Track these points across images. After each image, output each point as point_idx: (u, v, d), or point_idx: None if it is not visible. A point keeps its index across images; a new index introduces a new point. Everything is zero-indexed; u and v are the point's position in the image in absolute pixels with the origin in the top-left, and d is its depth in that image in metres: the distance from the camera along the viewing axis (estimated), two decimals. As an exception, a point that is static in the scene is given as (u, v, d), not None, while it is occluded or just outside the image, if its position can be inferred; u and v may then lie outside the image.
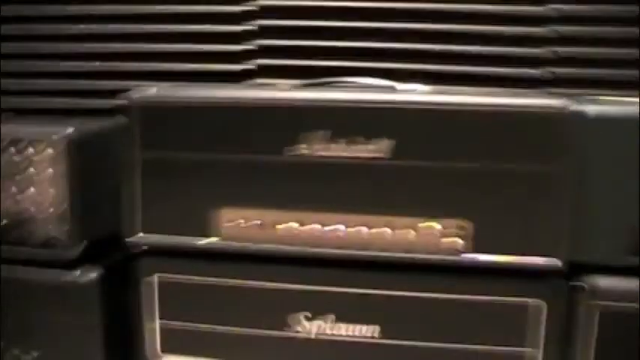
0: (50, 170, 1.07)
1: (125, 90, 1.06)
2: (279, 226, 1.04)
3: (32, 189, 1.08)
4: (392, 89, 1.10)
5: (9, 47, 1.38)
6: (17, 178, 1.09)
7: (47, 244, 1.09)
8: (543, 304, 1.01)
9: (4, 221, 1.09)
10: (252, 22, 1.32)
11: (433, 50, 1.29)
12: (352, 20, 1.30)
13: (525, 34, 1.29)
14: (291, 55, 1.31)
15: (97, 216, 1.13)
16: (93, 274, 1.10)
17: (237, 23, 1.33)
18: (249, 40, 1.33)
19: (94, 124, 1.16)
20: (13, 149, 1.09)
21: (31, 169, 1.08)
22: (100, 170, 1.12)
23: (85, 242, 1.10)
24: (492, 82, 1.28)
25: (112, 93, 1.32)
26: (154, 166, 1.05)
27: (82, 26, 1.37)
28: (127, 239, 1.07)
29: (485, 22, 1.28)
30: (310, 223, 1.03)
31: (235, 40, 1.33)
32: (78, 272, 1.10)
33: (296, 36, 1.31)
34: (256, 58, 1.33)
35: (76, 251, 1.09)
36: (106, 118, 1.23)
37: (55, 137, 1.07)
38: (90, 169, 1.11)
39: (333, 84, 1.12)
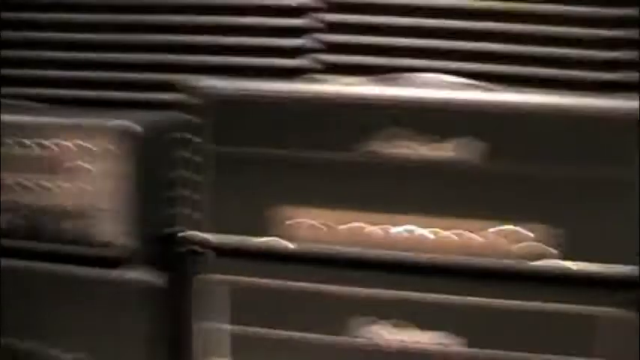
0: (110, 164, 1.04)
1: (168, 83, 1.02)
2: (345, 227, 1.00)
3: (89, 184, 1.05)
4: (470, 87, 1.07)
5: (74, 37, 1.36)
6: (73, 171, 1.06)
7: (104, 242, 1.06)
8: (623, 314, 0.97)
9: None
10: (314, 16, 1.28)
11: (502, 51, 1.24)
12: (417, 16, 1.26)
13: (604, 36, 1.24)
14: (355, 51, 1.27)
15: (156, 213, 1.09)
16: (151, 274, 1.07)
17: (297, 16, 1.29)
18: (309, 35, 1.29)
19: (151, 118, 1.13)
20: (68, 141, 1.06)
21: (89, 163, 1.05)
22: (160, 165, 1.09)
23: (143, 241, 1.07)
24: (572, 86, 1.23)
25: (157, 86, 1.32)
26: (222, 163, 1.02)
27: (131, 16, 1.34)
28: (189, 238, 1.04)
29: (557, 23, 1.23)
30: (378, 225, 1.00)
31: (295, 35, 1.29)
32: (136, 272, 1.07)
33: (360, 32, 1.27)
34: (316, 53, 1.29)
35: (135, 250, 1.06)
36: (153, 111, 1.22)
37: (116, 129, 1.04)
38: (150, 164, 1.07)
39: (403, 80, 1.08)
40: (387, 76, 1.11)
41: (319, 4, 1.27)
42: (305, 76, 1.26)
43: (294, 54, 1.29)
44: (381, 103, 0.99)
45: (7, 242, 1.09)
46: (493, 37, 1.25)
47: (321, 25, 1.28)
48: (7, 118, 1.09)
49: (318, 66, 1.28)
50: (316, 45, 1.28)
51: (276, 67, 1.29)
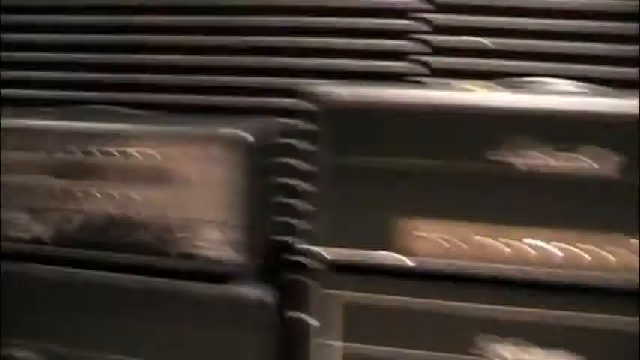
0: (219, 174, 0.99)
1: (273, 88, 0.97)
2: (472, 242, 0.95)
3: (197, 194, 1.01)
4: (599, 93, 1.01)
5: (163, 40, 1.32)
6: (180, 181, 1.01)
7: (211, 256, 1.01)
8: None
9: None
10: (421, 16, 1.23)
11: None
12: (526, 16, 1.20)
13: None
14: (464, 54, 1.21)
15: (266, 225, 1.05)
16: (261, 290, 1.02)
17: (404, 17, 1.23)
18: (417, 38, 1.24)
19: (259, 125, 1.08)
20: (174, 150, 1.01)
21: (197, 173, 1.00)
22: (269, 174, 1.05)
23: (253, 254, 1.02)
24: None
25: (262, 91, 1.27)
26: (341, 174, 0.97)
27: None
28: (302, 251, 0.99)
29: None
30: (504, 239, 0.95)
31: (400, 38, 1.23)
32: (245, 288, 1.02)
33: (471, 34, 1.21)
34: (423, 56, 1.24)
35: (251, 266, 1.02)
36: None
37: (226, 138, 0.99)
38: (259, 173, 1.03)
39: (531, 86, 1.02)
40: (512, 80, 1.05)
41: (426, 6, 1.22)
42: (411, 79, 1.21)
43: (399, 56, 1.23)
44: (511, 112, 0.93)
45: (102, 255, 1.05)
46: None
47: (427, 27, 1.22)
48: (106, 126, 1.05)
49: (424, 70, 1.22)
50: (422, 47, 1.22)
51: (381, 70, 1.23)
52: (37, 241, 1.06)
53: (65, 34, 1.33)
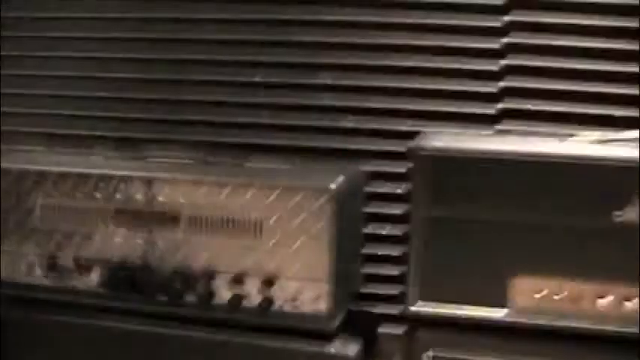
0: (316, 225, 0.94)
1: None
2: (581, 300, 0.89)
3: (292, 246, 0.95)
4: None
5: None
6: (270, 233, 0.96)
7: (304, 311, 0.95)
8: None
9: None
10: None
11: None
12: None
13: None
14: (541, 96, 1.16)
15: (353, 279, 0.99)
16: (353, 347, 0.96)
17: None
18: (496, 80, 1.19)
19: (350, 171, 1.03)
20: (263, 199, 0.96)
21: (286, 224, 0.95)
22: (360, 223, 0.99)
23: (345, 309, 0.97)
24: None
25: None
26: (439, 226, 0.92)
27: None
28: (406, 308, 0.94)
29: None
30: (615, 297, 0.89)
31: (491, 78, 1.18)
32: (336, 344, 0.96)
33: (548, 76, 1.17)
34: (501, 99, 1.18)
35: (336, 319, 0.96)
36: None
37: (317, 188, 0.94)
38: (352, 224, 0.98)
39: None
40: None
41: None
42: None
43: (491, 99, 1.18)
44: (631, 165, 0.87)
45: (189, 311, 1.00)
46: None
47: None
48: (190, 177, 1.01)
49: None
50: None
51: (472, 113, 1.18)
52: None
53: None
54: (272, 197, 0.95)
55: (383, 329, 1.03)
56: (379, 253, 1.15)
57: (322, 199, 0.93)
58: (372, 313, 1.00)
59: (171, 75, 1.30)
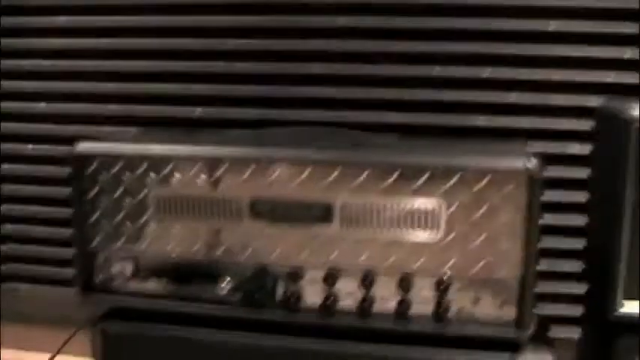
0: (507, 215, 0.78)
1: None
2: None
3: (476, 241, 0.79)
4: None
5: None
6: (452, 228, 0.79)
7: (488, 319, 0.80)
8: None
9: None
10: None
11: None
12: None
13: None
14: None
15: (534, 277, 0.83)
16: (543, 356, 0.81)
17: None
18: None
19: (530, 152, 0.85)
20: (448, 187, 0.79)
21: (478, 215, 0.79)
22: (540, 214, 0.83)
23: (537, 315, 0.81)
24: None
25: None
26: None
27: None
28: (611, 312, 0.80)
29: None
30: None
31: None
32: (529, 356, 0.80)
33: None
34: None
35: (529, 328, 0.80)
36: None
37: (526, 167, 0.77)
38: (538, 215, 0.81)
39: None
40: None
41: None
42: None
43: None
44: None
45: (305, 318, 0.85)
46: None
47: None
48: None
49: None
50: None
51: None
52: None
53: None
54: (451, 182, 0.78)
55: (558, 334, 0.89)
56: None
57: (516, 183, 0.77)
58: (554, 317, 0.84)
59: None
